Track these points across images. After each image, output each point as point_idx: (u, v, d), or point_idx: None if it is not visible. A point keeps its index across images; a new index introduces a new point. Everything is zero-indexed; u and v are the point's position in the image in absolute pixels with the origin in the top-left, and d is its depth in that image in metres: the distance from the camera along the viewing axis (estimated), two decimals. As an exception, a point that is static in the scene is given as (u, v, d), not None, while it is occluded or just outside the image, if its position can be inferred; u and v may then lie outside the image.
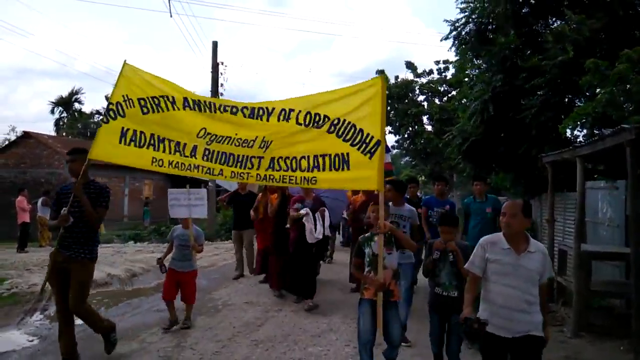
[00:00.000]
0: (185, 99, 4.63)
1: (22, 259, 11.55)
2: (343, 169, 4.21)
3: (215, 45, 16.18)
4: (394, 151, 43.92)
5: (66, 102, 34.65)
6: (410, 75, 36.05)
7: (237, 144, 4.46)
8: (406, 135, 37.11)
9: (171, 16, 21.94)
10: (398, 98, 35.29)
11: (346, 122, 4.19)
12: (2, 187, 20.54)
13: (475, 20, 12.13)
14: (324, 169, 4.26)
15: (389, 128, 36.63)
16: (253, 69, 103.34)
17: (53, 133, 32.29)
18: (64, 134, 32.42)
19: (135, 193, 25.48)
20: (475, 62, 12.51)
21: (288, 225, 7.84)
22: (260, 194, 8.76)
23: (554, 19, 11.32)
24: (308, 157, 4.29)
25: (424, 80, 36.18)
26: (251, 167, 4.38)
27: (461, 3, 12.34)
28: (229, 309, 7.23)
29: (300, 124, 4.35)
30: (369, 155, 4.08)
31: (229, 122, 4.51)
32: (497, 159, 11.77)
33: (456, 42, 12.69)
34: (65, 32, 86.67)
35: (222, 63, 16.30)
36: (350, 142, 4.15)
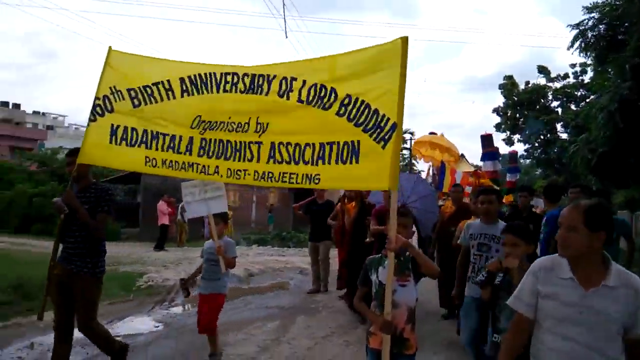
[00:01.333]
0: (182, 79, 3.91)
1: (160, 257, 13.13)
2: (351, 162, 3.31)
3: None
4: (526, 161, 41.47)
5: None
6: (542, 80, 33.97)
7: (231, 128, 3.71)
8: (537, 144, 34.97)
9: (287, 37, 23.12)
10: (528, 104, 33.46)
11: (359, 100, 3.32)
12: (152, 192, 23.24)
13: (604, 21, 11.36)
14: (329, 162, 3.38)
15: (517, 137, 34.92)
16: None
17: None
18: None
19: (262, 200, 27.22)
20: (602, 69, 11.68)
21: (368, 240, 6.77)
22: (339, 204, 8.34)
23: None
24: (313, 145, 3.44)
25: (558, 85, 33.88)
26: (250, 159, 3.61)
27: (590, 5, 11.65)
28: (328, 311, 7.67)
29: (303, 102, 3.49)
30: (382, 143, 3.21)
31: (225, 102, 3.80)
32: (628, 172, 10.86)
33: (582, 45, 11.96)
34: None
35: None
36: (363, 126, 3.28)
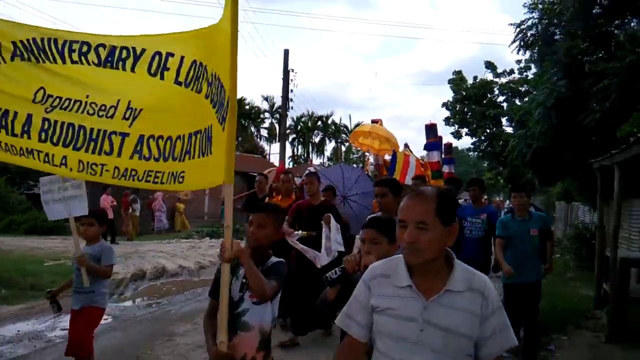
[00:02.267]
0: (15, 44, 2.89)
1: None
2: (207, 153, 2.78)
3: (286, 53, 17.04)
4: (474, 154, 42.89)
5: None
6: (489, 76, 35.16)
7: (92, 111, 2.86)
8: (483, 138, 36.24)
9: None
10: (476, 99, 34.60)
11: (216, 75, 2.72)
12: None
13: (542, 21, 11.97)
14: (194, 155, 2.81)
15: (465, 130, 36.14)
16: (330, 74, 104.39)
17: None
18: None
19: (215, 193, 27.10)
20: (541, 66, 12.32)
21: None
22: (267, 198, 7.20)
23: (628, 19, 10.93)
24: (184, 137, 2.82)
25: (504, 80, 35.14)
26: (109, 152, 2.83)
27: (530, 4, 12.24)
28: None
29: (180, 83, 2.79)
30: (223, 124, 2.65)
31: (79, 76, 2.90)
32: (563, 166, 11.52)
33: (522, 44, 12.56)
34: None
35: (292, 70, 17.14)
36: (217, 106, 2.72)
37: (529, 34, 11.91)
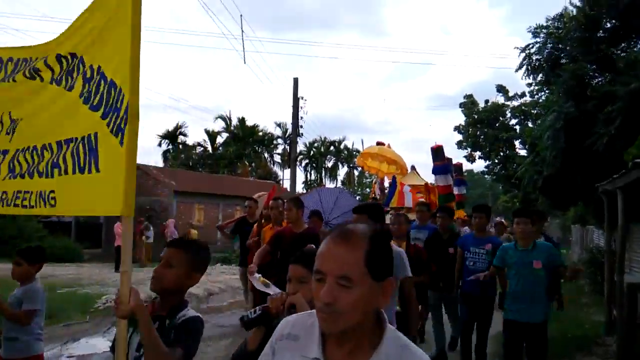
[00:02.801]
0: None
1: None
2: (90, 169, 2.18)
3: (296, 81, 17.32)
4: (487, 177, 42.64)
5: (172, 135, 38.13)
6: (501, 99, 35.23)
7: None
8: (497, 161, 36.12)
9: (245, 62, 23.13)
10: (488, 122, 34.61)
11: (99, 71, 2.20)
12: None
13: (547, 45, 12.07)
14: (66, 171, 2.26)
15: (478, 153, 36.12)
16: (343, 100, 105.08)
17: (161, 164, 35.70)
18: (169, 165, 35.63)
19: (228, 217, 27.30)
20: (548, 90, 12.39)
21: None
22: (255, 225, 6.79)
23: (633, 42, 10.97)
24: (50, 146, 2.32)
25: (515, 103, 35.16)
26: None
27: (534, 29, 12.37)
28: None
29: (55, 81, 2.35)
30: (120, 135, 2.08)
31: None
32: (575, 191, 11.44)
33: (528, 68, 12.65)
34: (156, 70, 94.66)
35: (302, 97, 17.38)
36: (102, 110, 2.16)
37: (534, 58, 12.01)
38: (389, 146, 11.54)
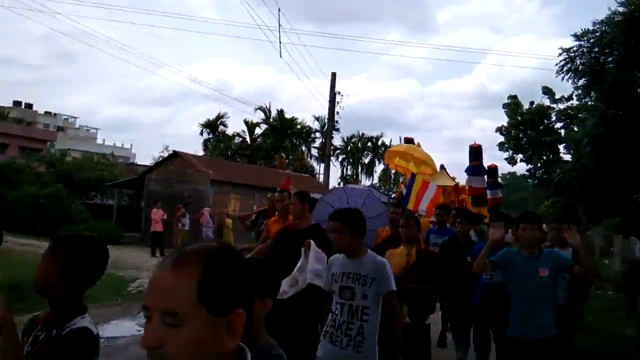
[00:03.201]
0: None
1: (154, 263, 13.54)
2: None
3: (333, 75, 17.37)
4: (529, 182, 41.57)
5: (213, 125, 38.91)
6: (546, 101, 34.25)
7: None
8: (539, 165, 35.22)
9: (281, 56, 23.12)
10: (532, 125, 33.71)
11: None
12: (154, 199, 23.75)
13: (593, 49, 11.72)
14: None
15: (520, 156, 35.19)
16: (385, 96, 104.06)
17: (201, 153, 36.49)
18: (208, 154, 36.35)
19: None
20: (589, 95, 12.03)
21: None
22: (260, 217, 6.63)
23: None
24: None
25: (562, 106, 34.14)
26: None
27: (580, 33, 12.02)
28: None
29: None
30: None
31: None
32: (614, 201, 11.11)
33: (570, 72, 12.32)
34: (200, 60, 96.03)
35: (339, 92, 17.42)
36: None
37: (578, 62, 11.68)
38: (418, 145, 10.98)
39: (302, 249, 4.12)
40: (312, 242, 4.12)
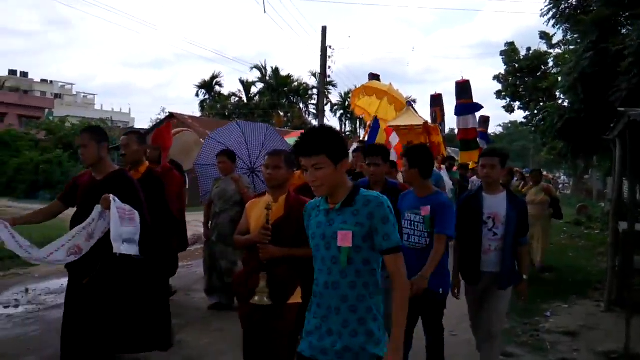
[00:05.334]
0: None
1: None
2: None
3: (324, 30, 17.33)
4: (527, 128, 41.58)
5: (208, 85, 38.82)
6: (544, 47, 33.88)
7: None
8: (536, 112, 35.20)
9: (265, 12, 22.51)
10: (529, 71, 33.48)
11: None
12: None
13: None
14: None
15: (517, 104, 35.13)
16: (386, 48, 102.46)
17: (198, 114, 36.52)
18: (206, 114, 36.41)
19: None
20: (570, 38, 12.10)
21: None
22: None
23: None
24: None
25: (559, 51, 33.78)
26: None
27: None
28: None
29: None
30: None
31: None
32: (594, 141, 11.35)
33: (557, 16, 12.32)
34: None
35: (330, 47, 17.42)
36: None
37: (563, 6, 11.67)
38: (391, 85, 9.85)
39: (96, 207, 3.31)
40: (111, 197, 3.29)
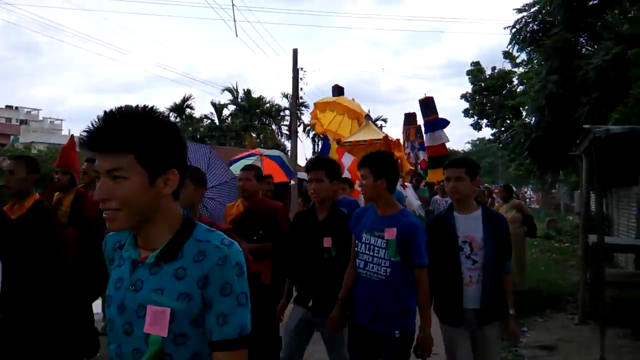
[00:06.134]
0: None
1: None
2: None
3: (295, 52, 17.54)
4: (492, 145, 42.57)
5: (179, 109, 38.52)
6: (508, 66, 34.96)
7: None
8: (503, 129, 36.10)
9: (237, 35, 22.77)
10: (495, 90, 34.48)
11: None
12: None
13: (538, 16, 12.24)
14: None
15: (485, 122, 36.04)
16: (357, 69, 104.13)
17: (170, 137, 36.14)
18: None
19: (236, 190, 27.90)
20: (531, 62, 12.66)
21: None
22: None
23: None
24: None
25: (523, 69, 34.90)
26: None
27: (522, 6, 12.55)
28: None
29: None
30: None
31: None
32: (560, 156, 11.73)
33: (519, 41, 12.85)
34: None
35: (302, 69, 17.60)
36: None
37: (523, 33, 12.22)
38: (353, 100, 9.11)
39: None
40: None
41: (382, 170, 2.97)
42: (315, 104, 8.55)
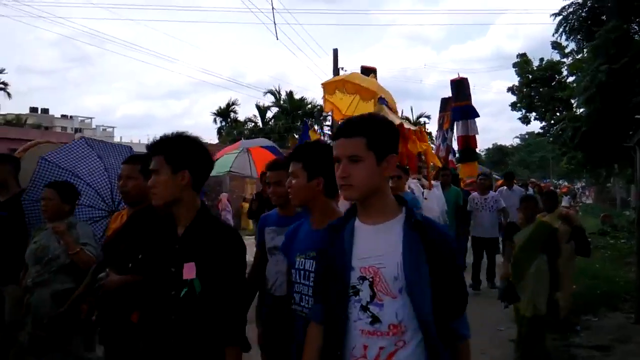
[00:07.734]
0: None
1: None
2: None
3: (335, 52, 17.61)
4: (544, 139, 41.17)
5: (224, 113, 39.39)
6: (557, 57, 33.82)
7: None
8: (552, 122, 34.95)
9: (277, 38, 22.04)
10: (543, 82, 33.38)
11: None
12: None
13: (586, 5, 11.79)
14: None
15: (533, 115, 34.96)
16: (400, 66, 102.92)
17: (215, 140, 36.98)
18: (223, 141, 36.88)
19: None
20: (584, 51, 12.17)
21: None
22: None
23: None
24: None
25: (572, 59, 33.67)
26: None
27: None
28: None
29: None
30: None
31: None
32: (613, 149, 11.25)
33: (566, 30, 12.40)
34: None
35: (342, 68, 17.63)
36: None
37: (572, 21, 11.76)
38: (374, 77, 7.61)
39: None
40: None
41: (318, 166, 2.18)
42: (323, 86, 6.99)
